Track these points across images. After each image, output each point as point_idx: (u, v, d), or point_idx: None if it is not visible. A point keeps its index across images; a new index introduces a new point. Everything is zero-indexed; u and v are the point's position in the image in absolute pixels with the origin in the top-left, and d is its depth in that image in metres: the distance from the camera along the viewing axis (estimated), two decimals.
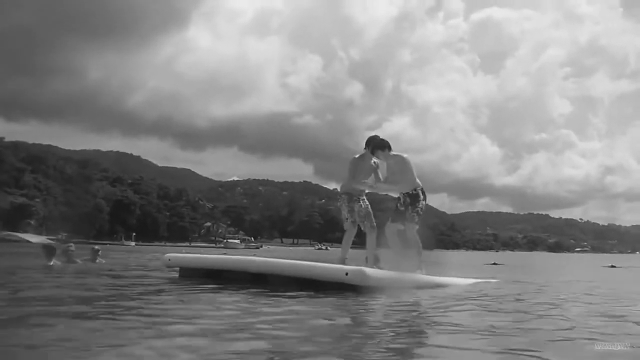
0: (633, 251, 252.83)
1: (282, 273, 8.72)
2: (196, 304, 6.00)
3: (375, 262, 9.60)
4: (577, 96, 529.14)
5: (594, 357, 3.62)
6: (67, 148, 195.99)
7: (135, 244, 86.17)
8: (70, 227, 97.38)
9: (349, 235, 9.98)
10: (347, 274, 8.00)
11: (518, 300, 8.13)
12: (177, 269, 10.23)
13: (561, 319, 5.66)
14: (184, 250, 22.80)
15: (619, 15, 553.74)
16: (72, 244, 12.98)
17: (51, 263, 11.44)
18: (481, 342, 4.15)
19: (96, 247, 15.10)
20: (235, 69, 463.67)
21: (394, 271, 9.07)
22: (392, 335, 4.52)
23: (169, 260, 10.28)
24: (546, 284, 11.95)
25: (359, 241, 10.16)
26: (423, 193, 9.62)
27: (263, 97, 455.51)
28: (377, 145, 9.57)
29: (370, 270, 8.30)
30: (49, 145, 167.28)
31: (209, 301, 6.35)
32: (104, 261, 14.10)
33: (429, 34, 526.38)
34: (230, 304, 6.01)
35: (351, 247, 10.08)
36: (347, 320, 5.46)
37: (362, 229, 9.79)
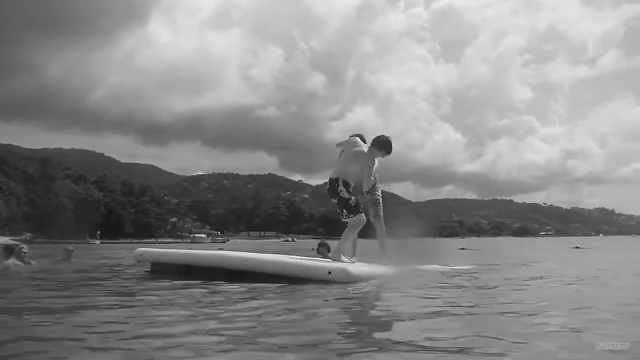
0: (596, 233, 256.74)
1: (261, 270, 8.35)
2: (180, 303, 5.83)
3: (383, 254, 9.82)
4: (537, 82, 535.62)
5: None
6: (28, 147, 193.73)
7: (100, 242, 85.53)
8: (33, 227, 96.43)
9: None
10: (329, 272, 7.83)
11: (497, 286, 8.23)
12: (149, 264, 9.90)
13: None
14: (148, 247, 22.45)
15: (576, 2, 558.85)
16: (24, 246, 12.81)
17: (6, 263, 11.28)
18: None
19: (69, 247, 15.06)
20: (196, 62, 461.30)
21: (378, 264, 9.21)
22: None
23: (140, 255, 9.86)
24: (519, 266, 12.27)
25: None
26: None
27: (225, 90, 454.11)
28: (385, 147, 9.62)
29: (353, 269, 8.12)
30: (10, 145, 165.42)
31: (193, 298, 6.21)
32: (74, 260, 14.06)
33: (390, 23, 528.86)
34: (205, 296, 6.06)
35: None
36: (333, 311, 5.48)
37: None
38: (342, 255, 9.24)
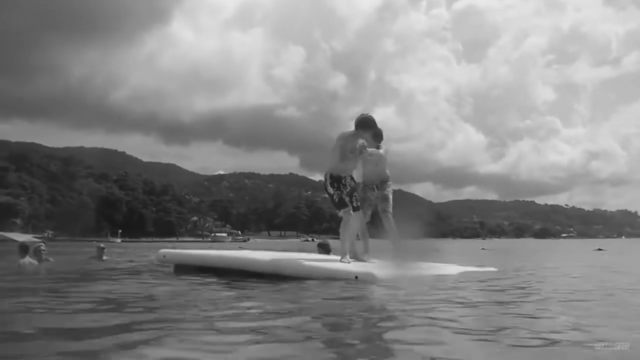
0: (619, 235, 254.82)
1: (287, 274, 8.10)
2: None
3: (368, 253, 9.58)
4: (560, 83, 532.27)
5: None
6: (50, 146, 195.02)
7: (122, 241, 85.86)
8: (55, 225, 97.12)
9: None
10: (356, 277, 7.72)
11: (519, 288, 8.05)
12: (172, 265, 9.73)
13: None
14: (169, 246, 22.52)
15: (600, 3, 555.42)
16: (42, 243, 12.83)
17: (21, 262, 11.28)
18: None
19: (102, 244, 15.27)
20: (218, 62, 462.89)
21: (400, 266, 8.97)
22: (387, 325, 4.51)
23: (164, 256, 9.72)
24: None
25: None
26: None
27: (247, 90, 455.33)
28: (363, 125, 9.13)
29: (380, 274, 7.92)
30: (33, 143, 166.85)
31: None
32: (107, 258, 14.21)
33: (411, 24, 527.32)
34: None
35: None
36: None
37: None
38: (345, 256, 8.86)
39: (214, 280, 7.79)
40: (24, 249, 11.83)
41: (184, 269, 9.24)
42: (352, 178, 9.29)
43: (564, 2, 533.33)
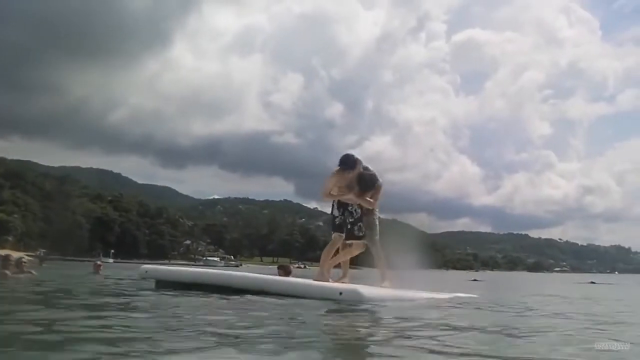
0: (612, 271, 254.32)
1: (267, 290, 8.37)
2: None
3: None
4: (556, 118, 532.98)
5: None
6: (47, 164, 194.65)
7: (114, 261, 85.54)
8: (48, 244, 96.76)
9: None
10: (340, 293, 7.88)
11: (493, 310, 8.19)
12: (153, 281, 9.87)
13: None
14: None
15: (598, 39, 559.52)
16: (24, 256, 13.13)
17: (8, 273, 11.47)
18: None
19: (98, 262, 15.57)
20: (217, 87, 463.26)
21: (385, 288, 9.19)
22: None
23: (146, 272, 9.93)
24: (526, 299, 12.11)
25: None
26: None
27: (244, 116, 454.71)
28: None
29: (364, 290, 8.13)
30: (29, 162, 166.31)
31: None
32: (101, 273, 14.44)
33: (411, 55, 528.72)
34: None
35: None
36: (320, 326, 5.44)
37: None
38: (324, 275, 9.37)
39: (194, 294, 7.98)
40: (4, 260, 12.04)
41: (165, 285, 9.43)
42: (359, 206, 9.59)
43: (563, 37, 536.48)
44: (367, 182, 9.76)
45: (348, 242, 9.69)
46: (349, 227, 9.57)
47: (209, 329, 4.43)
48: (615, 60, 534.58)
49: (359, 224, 9.61)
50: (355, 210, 9.62)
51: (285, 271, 11.01)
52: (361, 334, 4.99)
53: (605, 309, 9.75)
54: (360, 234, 9.62)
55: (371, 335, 4.99)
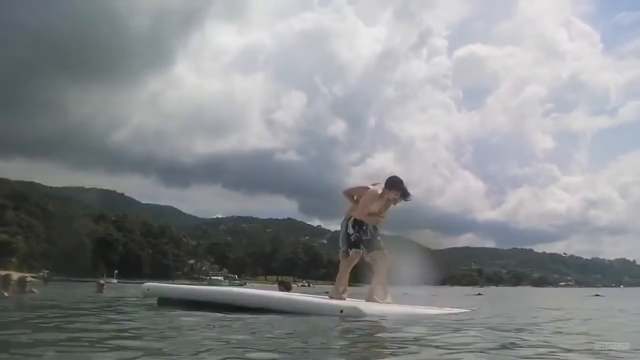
0: (617, 284, 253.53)
1: (272, 308, 8.38)
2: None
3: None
4: (558, 131, 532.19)
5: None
6: (50, 185, 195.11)
7: (118, 281, 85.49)
8: (52, 265, 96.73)
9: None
10: (341, 311, 7.93)
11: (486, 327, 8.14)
12: (155, 299, 9.92)
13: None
14: None
15: (599, 52, 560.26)
16: (28, 275, 13.25)
17: (6, 294, 11.52)
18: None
19: (101, 281, 15.65)
20: (219, 105, 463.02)
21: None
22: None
23: (148, 290, 9.94)
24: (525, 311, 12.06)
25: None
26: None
27: (247, 134, 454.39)
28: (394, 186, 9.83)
29: (364, 307, 8.20)
30: (32, 182, 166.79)
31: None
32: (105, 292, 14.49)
33: (412, 71, 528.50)
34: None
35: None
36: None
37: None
38: (339, 291, 9.62)
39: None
40: (5, 281, 12.05)
41: (167, 302, 9.42)
42: (374, 227, 9.70)
43: (564, 51, 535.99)
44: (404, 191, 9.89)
45: (368, 256, 9.80)
46: (364, 243, 9.71)
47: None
48: (617, 73, 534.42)
49: (373, 243, 9.72)
50: (369, 230, 9.76)
51: (286, 287, 11.13)
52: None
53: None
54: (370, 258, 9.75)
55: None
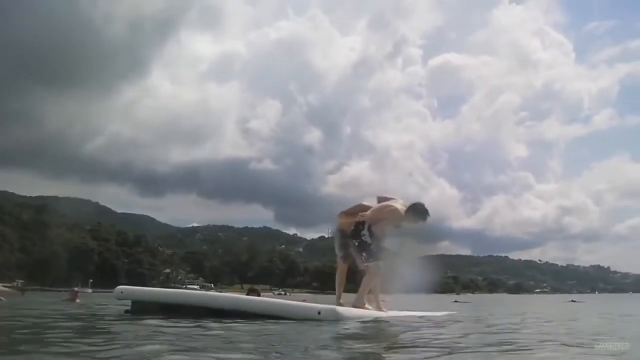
0: (592, 291, 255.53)
1: (248, 310, 8.34)
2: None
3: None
4: (532, 140, 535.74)
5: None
6: (24, 194, 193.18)
7: (93, 291, 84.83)
8: (26, 274, 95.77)
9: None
10: (319, 312, 7.93)
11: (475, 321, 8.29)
12: (129, 302, 9.59)
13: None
14: None
15: (572, 61, 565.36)
16: None
17: None
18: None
19: (75, 288, 15.55)
20: (195, 114, 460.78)
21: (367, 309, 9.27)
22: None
23: (121, 292, 9.60)
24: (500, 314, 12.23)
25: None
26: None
27: (222, 143, 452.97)
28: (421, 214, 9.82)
29: (342, 309, 8.23)
30: (5, 192, 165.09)
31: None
32: (81, 302, 14.33)
33: (387, 80, 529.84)
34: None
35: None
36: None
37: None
38: (365, 304, 9.47)
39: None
40: None
41: (141, 305, 9.26)
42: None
43: (537, 60, 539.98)
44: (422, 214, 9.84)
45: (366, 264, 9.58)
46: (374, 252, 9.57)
47: None
48: (590, 82, 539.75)
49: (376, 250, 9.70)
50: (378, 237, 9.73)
51: (256, 294, 11.16)
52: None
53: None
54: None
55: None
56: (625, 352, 3.70)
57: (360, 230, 9.46)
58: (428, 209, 9.77)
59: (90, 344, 4.65)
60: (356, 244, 9.51)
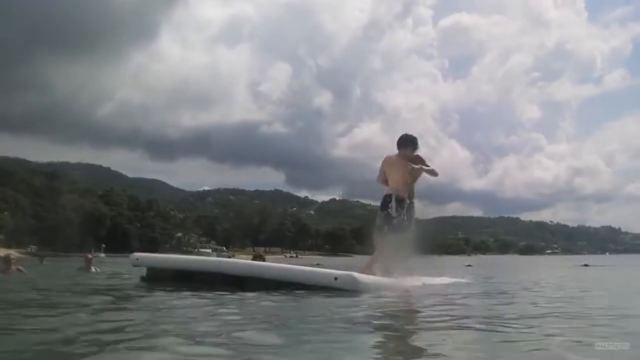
0: (603, 252, 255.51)
1: (264, 277, 8.24)
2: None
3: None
4: (544, 100, 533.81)
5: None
6: (35, 160, 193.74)
7: (105, 255, 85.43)
8: (39, 240, 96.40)
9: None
10: (336, 278, 7.85)
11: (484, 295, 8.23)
12: (144, 269, 9.66)
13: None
14: None
15: (584, 20, 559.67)
16: (12, 253, 12.99)
17: None
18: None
19: (89, 255, 15.43)
20: (204, 78, 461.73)
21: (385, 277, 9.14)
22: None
23: (137, 259, 9.65)
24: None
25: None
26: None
27: (232, 106, 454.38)
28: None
29: (359, 275, 8.11)
30: (17, 158, 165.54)
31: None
32: (98, 270, 14.21)
33: (398, 41, 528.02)
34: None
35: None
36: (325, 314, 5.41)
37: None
38: (393, 273, 9.27)
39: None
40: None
41: (156, 272, 9.29)
42: (412, 202, 9.50)
43: (549, 19, 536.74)
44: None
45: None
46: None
47: None
48: (602, 42, 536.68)
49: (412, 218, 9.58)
50: (410, 206, 9.67)
51: (261, 260, 11.24)
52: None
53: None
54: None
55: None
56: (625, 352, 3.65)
57: (388, 203, 9.32)
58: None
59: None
60: (383, 215, 9.39)
